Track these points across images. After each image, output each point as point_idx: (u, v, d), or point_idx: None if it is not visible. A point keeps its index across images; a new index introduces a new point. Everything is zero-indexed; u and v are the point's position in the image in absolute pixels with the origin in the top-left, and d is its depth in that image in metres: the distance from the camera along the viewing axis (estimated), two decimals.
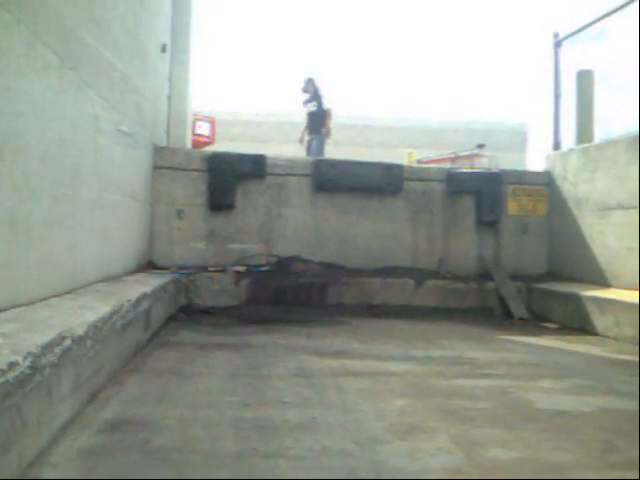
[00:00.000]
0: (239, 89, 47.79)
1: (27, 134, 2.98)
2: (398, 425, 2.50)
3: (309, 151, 11.90)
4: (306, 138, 12.25)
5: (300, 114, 12.96)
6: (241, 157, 6.44)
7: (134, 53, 5.11)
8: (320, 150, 11.70)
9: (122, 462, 2.02)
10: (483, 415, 2.71)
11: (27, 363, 1.86)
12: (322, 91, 12.26)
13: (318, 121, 12.00)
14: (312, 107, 12.10)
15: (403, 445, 2.28)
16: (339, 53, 58.78)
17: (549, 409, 2.86)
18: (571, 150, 6.67)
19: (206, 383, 3.11)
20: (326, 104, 12.13)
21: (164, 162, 6.17)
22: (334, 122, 12.21)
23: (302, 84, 12.23)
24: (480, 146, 13.71)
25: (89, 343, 2.53)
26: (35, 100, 3.05)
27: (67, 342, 2.25)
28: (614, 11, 6.42)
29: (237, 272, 5.92)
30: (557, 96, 7.31)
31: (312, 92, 12.14)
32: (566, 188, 6.56)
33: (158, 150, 6.15)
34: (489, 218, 6.75)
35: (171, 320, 4.97)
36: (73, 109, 3.60)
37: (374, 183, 6.57)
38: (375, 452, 2.19)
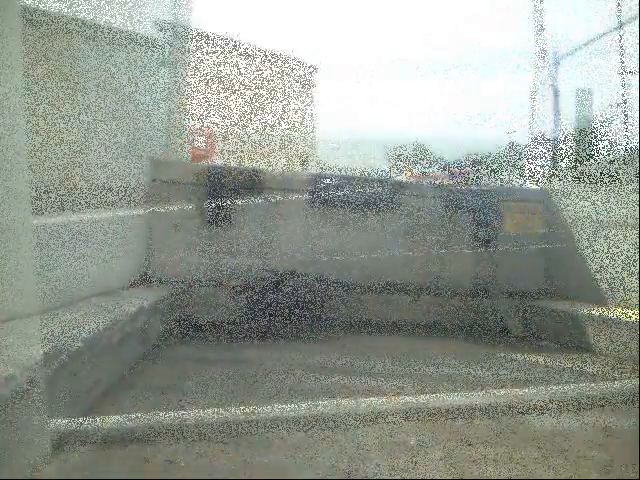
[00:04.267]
0: None
1: None
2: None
3: None
4: None
5: None
6: (240, 171, 6.43)
7: None
8: None
9: None
10: (479, 434, 2.70)
11: None
12: None
13: None
14: None
15: None
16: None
17: (542, 428, 2.85)
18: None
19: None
20: None
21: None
22: None
23: None
24: (475, 163, 13.77)
25: None
26: None
27: None
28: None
29: (231, 287, 5.89)
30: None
31: None
32: (564, 205, 6.55)
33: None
34: (485, 235, 6.75)
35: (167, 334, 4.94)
36: None
37: (373, 198, 6.55)
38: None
